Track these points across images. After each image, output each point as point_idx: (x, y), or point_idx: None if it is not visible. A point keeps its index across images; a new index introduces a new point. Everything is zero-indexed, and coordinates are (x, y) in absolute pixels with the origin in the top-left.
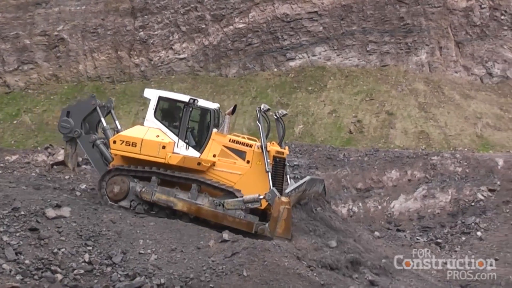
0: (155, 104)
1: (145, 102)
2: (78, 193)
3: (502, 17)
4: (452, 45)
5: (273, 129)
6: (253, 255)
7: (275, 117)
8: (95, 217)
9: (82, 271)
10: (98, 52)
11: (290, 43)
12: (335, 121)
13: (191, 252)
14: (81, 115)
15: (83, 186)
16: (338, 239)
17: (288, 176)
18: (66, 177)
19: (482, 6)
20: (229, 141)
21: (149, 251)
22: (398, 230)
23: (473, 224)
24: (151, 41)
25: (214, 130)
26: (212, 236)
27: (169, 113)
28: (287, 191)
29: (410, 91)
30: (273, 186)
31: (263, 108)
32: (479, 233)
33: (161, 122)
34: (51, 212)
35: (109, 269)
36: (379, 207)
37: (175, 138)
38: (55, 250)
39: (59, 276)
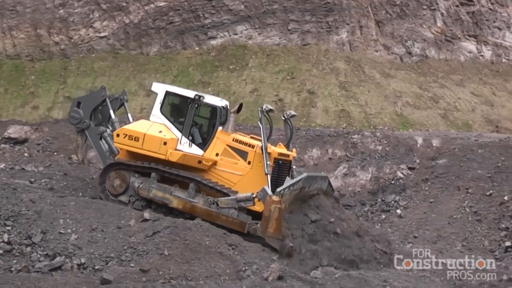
0: (162, 99)
1: (65, 80)
2: None
3: None
4: (373, 24)
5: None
6: (174, 234)
7: (283, 118)
8: (14, 196)
9: (1, 251)
10: (17, 30)
11: (211, 22)
12: (257, 99)
13: (111, 232)
14: (91, 106)
15: (2, 166)
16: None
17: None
18: None
19: None
20: (233, 140)
21: (69, 230)
22: None
23: (393, 202)
24: (71, 19)
25: (220, 128)
26: (133, 215)
27: (175, 109)
28: (278, 189)
29: (331, 70)
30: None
31: (265, 108)
32: (398, 211)
33: (167, 118)
34: None
35: (28, 249)
36: None
37: (179, 134)
38: None
39: None
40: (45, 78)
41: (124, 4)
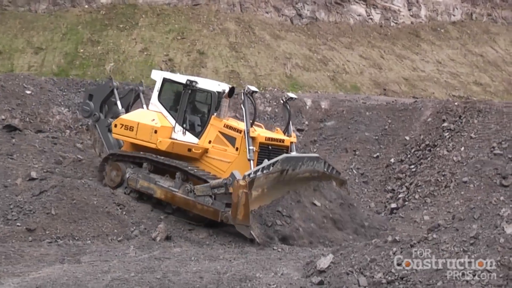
0: (159, 87)
1: None
2: None
3: None
4: None
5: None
6: (61, 193)
7: (282, 102)
8: None
9: None
10: None
11: None
12: (146, 59)
13: None
14: (100, 98)
15: None
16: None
17: None
18: None
19: None
20: (224, 126)
21: None
22: None
23: None
24: None
25: (215, 114)
26: (19, 174)
27: (171, 96)
28: (247, 173)
29: (221, 30)
30: None
31: (247, 90)
32: None
33: (163, 106)
34: None
35: None
36: None
37: (174, 122)
38: None
39: None
40: None
41: None
